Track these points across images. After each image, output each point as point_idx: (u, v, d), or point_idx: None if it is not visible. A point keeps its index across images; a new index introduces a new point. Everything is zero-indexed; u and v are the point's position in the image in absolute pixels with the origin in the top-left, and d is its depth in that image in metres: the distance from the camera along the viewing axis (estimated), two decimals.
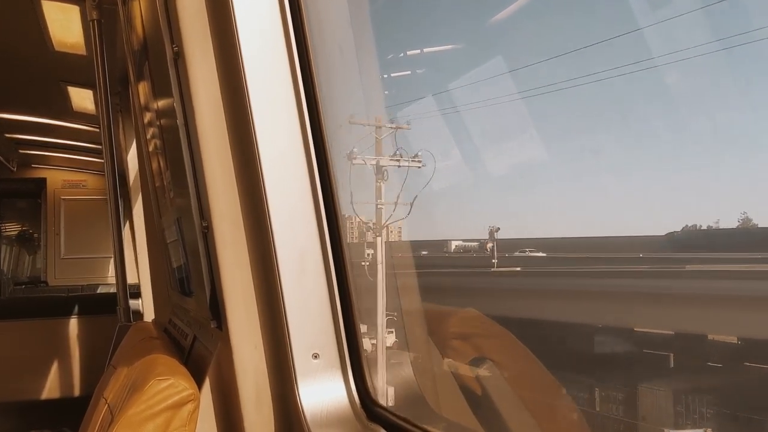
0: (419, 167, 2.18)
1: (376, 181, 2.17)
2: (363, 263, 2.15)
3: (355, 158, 2.06)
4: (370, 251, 2.16)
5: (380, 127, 2.17)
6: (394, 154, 2.20)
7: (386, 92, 2.19)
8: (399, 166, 2.18)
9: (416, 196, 2.14)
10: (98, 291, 7.41)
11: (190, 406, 1.84)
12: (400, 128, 2.19)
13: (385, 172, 2.18)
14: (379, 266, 2.16)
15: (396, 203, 2.18)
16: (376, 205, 2.19)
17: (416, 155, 2.17)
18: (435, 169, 2.23)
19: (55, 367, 6.31)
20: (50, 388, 6.25)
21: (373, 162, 2.17)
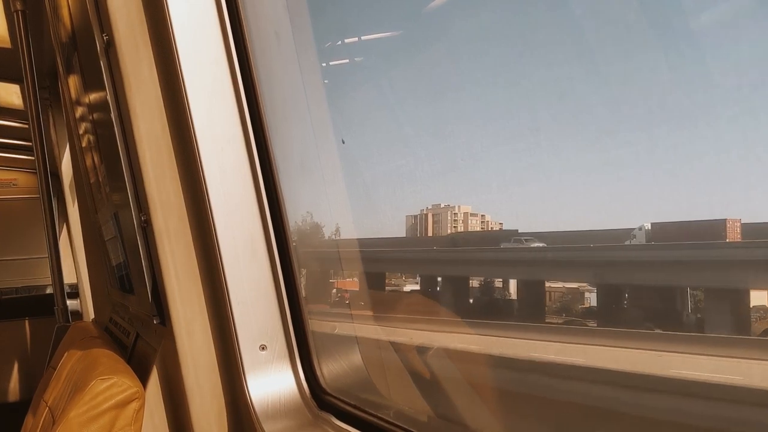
0: None
1: None
2: None
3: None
4: None
5: None
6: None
7: (326, 81, 2.16)
8: None
9: None
10: (35, 293, 7.18)
11: (134, 405, 1.80)
12: None
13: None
14: None
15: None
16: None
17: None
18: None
19: None
20: None
21: None
